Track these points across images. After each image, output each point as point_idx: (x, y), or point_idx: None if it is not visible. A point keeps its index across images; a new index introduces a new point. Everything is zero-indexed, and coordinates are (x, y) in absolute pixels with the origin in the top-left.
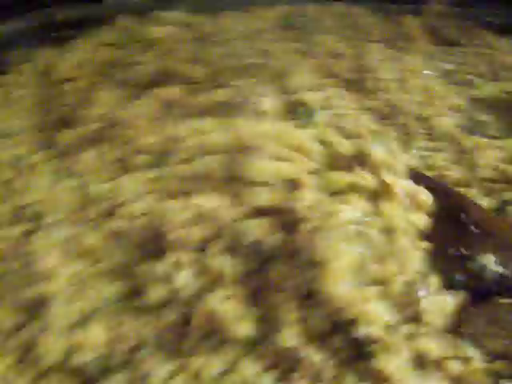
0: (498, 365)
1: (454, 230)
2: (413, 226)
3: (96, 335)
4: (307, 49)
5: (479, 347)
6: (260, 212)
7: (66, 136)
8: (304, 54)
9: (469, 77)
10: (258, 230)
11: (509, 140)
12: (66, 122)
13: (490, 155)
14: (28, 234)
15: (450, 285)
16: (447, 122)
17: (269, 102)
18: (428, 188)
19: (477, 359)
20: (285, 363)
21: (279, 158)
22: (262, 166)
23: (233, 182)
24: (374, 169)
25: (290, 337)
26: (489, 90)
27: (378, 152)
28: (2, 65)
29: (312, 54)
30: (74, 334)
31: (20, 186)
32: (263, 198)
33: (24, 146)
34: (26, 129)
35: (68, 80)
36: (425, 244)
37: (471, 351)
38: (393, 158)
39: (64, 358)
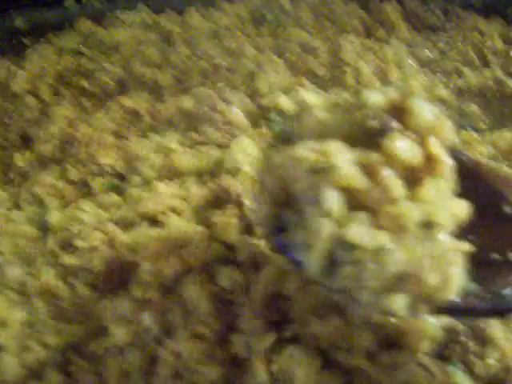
0: None
1: (495, 225)
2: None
3: None
4: (280, 44)
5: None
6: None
7: (25, 157)
8: (277, 50)
9: (455, 65)
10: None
11: (498, 133)
12: (24, 141)
13: (480, 151)
14: None
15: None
16: None
17: (236, 109)
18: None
19: None
20: None
21: None
22: None
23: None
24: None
25: None
26: (477, 78)
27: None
28: None
29: (286, 50)
30: None
31: None
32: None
33: None
34: None
35: (28, 92)
36: (465, 245)
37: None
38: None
39: None
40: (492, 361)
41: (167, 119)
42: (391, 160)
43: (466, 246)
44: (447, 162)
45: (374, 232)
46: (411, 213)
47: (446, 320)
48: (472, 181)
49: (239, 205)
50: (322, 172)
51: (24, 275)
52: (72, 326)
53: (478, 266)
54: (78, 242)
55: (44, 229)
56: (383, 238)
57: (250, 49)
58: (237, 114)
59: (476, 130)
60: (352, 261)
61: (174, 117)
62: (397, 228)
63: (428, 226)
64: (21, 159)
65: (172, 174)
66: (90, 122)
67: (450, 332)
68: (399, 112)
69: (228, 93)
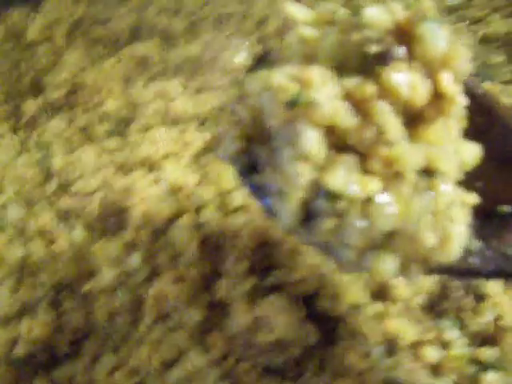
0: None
1: (507, 172)
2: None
3: (40, 324)
4: None
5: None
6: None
7: (33, 105)
8: None
9: (483, 12)
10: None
11: None
12: (34, 90)
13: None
14: None
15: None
16: None
17: (241, 57)
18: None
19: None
20: None
21: None
22: None
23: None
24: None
25: None
26: (505, 26)
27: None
28: None
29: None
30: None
31: None
32: None
33: None
34: None
35: (39, 42)
36: (472, 197)
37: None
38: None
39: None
40: (487, 318)
41: (176, 66)
42: (390, 95)
43: (473, 199)
44: (460, 102)
45: (363, 179)
46: (410, 157)
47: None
48: (486, 119)
49: None
50: (300, 106)
51: (24, 216)
52: (66, 267)
53: (484, 218)
54: (77, 186)
55: (48, 173)
56: (374, 186)
57: None
58: (243, 59)
59: (501, 81)
60: (334, 213)
61: (182, 63)
62: (391, 176)
63: (429, 174)
64: (31, 106)
65: (173, 119)
66: (101, 69)
67: (445, 288)
68: (407, 37)
69: (236, 40)
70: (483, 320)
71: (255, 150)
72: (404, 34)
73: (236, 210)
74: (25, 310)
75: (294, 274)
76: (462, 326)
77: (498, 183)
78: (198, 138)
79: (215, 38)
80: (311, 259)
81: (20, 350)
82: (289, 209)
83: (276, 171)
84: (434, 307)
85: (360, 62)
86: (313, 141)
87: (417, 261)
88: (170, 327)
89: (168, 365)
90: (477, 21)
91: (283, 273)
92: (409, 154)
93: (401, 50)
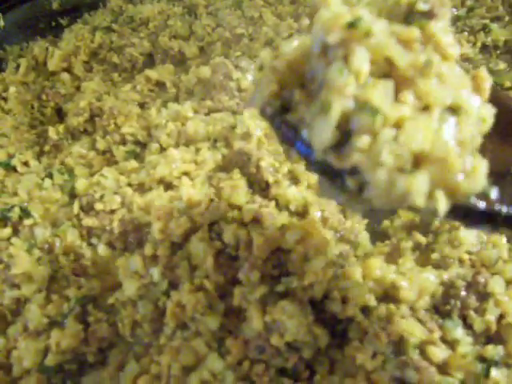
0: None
1: None
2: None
3: (68, 336)
4: (302, 10)
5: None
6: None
7: (58, 130)
8: (298, 16)
9: (483, 22)
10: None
11: None
12: (58, 115)
13: None
14: (12, 235)
15: None
16: None
17: (251, 77)
18: None
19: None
20: None
21: None
22: None
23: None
24: None
25: None
26: (506, 34)
27: None
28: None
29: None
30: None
31: (11, 185)
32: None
33: (16, 145)
34: (20, 126)
35: (63, 69)
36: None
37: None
38: None
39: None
40: (491, 317)
41: (188, 89)
42: (431, 43)
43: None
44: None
45: (398, 103)
46: (442, 94)
47: (445, 275)
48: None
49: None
50: (359, 29)
51: (51, 236)
52: (91, 281)
53: (498, 175)
54: (99, 206)
55: (72, 195)
56: (407, 111)
57: (269, 16)
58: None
59: (503, 87)
60: (370, 129)
61: (194, 86)
62: (422, 107)
63: (454, 111)
64: (55, 132)
65: (187, 140)
66: (118, 94)
67: (450, 287)
68: None
69: (244, 61)
70: (487, 319)
71: (289, 94)
72: None
73: (248, 223)
74: (54, 323)
75: (304, 280)
76: (467, 326)
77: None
78: (210, 158)
79: (222, 60)
80: (320, 266)
81: (50, 360)
82: (329, 123)
83: (314, 105)
84: (439, 308)
85: (404, 17)
86: (363, 59)
87: (444, 188)
88: (188, 335)
89: (188, 370)
90: (478, 30)
91: (294, 279)
92: (442, 92)
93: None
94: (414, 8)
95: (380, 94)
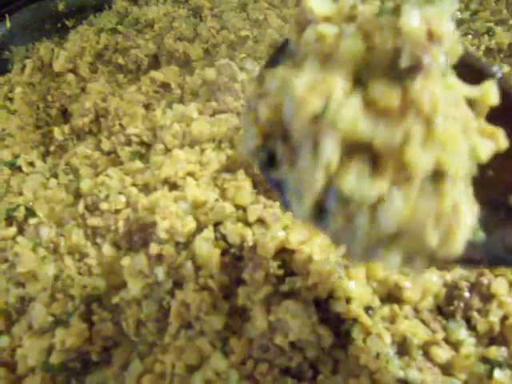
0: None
1: None
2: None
3: (73, 334)
4: None
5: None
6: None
7: (64, 131)
8: None
9: (487, 24)
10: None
11: None
12: (63, 116)
13: None
14: (17, 233)
15: None
16: None
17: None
18: None
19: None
20: None
21: None
22: None
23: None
24: None
25: None
26: (510, 37)
27: None
28: (5, 62)
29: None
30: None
31: (16, 184)
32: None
33: (22, 145)
34: (26, 126)
35: (68, 70)
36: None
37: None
38: None
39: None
40: (495, 318)
41: (193, 90)
42: (414, 107)
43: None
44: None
45: (373, 183)
46: (423, 162)
47: (449, 276)
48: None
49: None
50: (324, 121)
51: (56, 236)
52: (95, 281)
53: (491, 209)
54: (104, 206)
55: (77, 195)
56: (383, 190)
57: (273, 18)
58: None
59: None
60: (343, 214)
61: (199, 88)
62: (400, 179)
63: (438, 176)
64: (60, 133)
65: (192, 141)
66: (123, 95)
67: (453, 288)
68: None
69: (249, 63)
70: (490, 320)
71: (274, 146)
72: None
73: (252, 223)
74: (58, 322)
75: (308, 280)
76: (470, 327)
77: (508, 174)
78: (215, 158)
79: (227, 62)
80: (324, 266)
81: (55, 359)
82: (303, 208)
83: (293, 170)
84: (443, 308)
85: (385, 68)
86: (333, 152)
87: (421, 256)
88: (192, 335)
89: (192, 369)
90: (482, 33)
91: (298, 279)
92: (422, 159)
93: (431, 63)
94: (396, 64)
95: (351, 179)
